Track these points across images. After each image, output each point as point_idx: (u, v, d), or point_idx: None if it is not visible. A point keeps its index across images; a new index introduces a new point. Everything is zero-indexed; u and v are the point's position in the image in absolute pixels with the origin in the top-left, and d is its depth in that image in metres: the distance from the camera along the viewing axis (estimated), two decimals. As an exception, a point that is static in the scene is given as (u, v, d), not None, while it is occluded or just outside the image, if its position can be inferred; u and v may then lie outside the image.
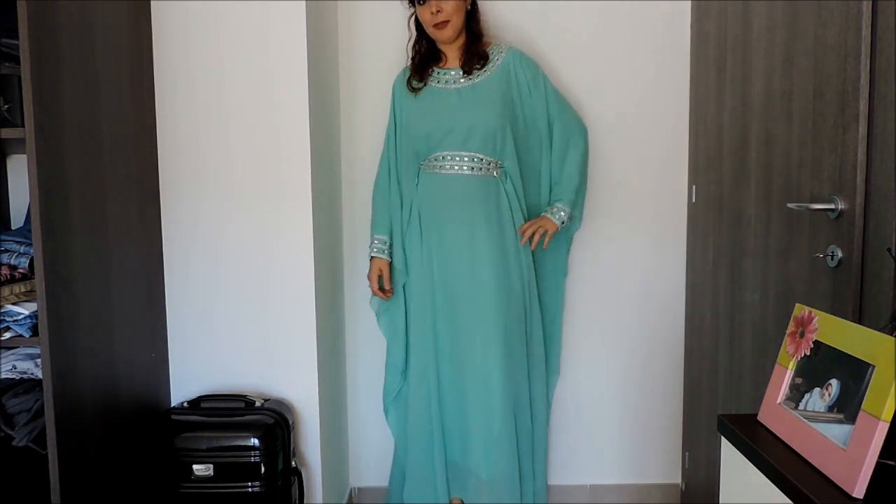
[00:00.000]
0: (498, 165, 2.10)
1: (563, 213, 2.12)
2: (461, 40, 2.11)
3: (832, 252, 1.39)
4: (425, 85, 2.13)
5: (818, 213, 1.44)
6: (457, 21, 2.05)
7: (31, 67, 1.30)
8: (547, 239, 2.10)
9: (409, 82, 2.15)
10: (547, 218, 2.12)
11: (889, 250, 1.24)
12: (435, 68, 2.14)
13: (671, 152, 2.34)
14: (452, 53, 2.13)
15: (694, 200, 2.27)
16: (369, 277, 2.20)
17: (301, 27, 1.84)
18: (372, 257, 2.19)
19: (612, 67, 2.33)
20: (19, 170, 1.91)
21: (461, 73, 2.11)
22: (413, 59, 2.16)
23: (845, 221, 1.36)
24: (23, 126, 1.32)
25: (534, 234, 2.09)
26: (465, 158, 2.07)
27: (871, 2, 1.29)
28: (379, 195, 2.21)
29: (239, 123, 1.86)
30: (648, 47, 2.32)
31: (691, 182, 2.30)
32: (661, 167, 2.35)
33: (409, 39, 2.16)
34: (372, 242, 2.20)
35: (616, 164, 2.35)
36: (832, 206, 1.38)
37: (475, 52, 2.10)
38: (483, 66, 2.10)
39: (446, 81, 2.13)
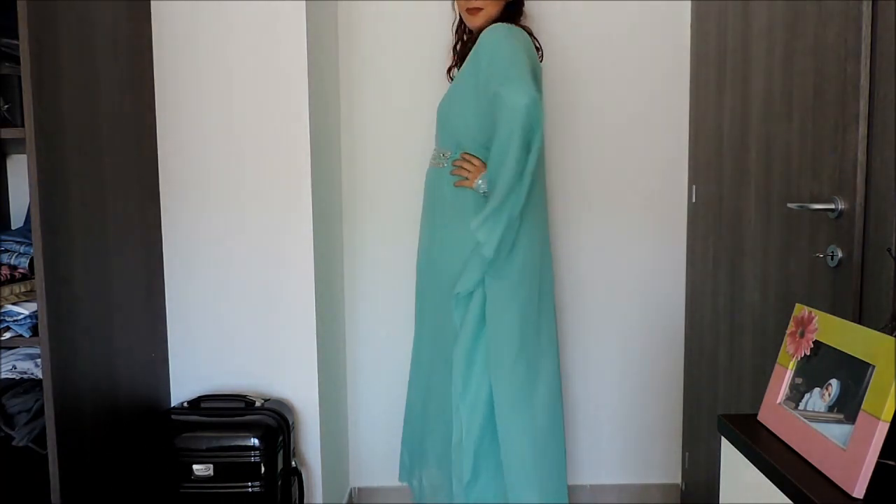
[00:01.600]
0: (447, 156, 1.98)
1: (481, 183, 1.87)
2: None
3: (832, 252, 1.39)
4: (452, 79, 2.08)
5: (818, 213, 1.44)
6: (491, 10, 1.94)
7: (31, 67, 1.30)
8: (458, 183, 1.92)
9: (448, 72, 2.12)
10: (479, 173, 1.88)
11: (889, 250, 1.24)
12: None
13: (671, 152, 2.34)
14: None
15: (694, 200, 2.27)
16: None
17: (301, 27, 1.84)
18: None
19: (612, 67, 2.33)
20: (19, 170, 1.91)
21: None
22: (455, 45, 2.12)
23: (845, 221, 1.36)
24: (23, 126, 1.32)
25: (461, 169, 1.92)
26: (436, 152, 2.04)
27: (871, 2, 1.29)
28: None
29: (239, 123, 1.86)
30: (648, 47, 2.32)
31: (691, 182, 2.30)
32: (661, 167, 2.35)
33: (454, 22, 2.13)
34: None
35: (616, 164, 2.35)
36: (832, 206, 1.38)
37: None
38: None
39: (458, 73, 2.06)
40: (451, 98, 2.00)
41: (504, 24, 1.89)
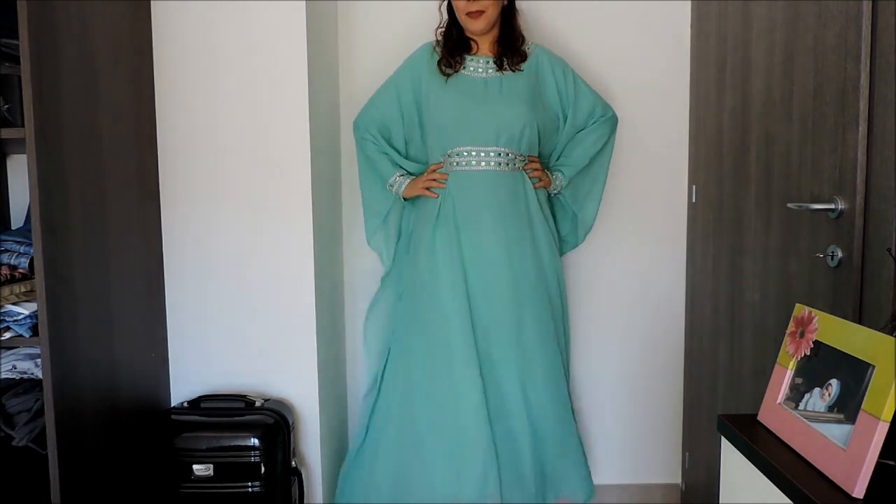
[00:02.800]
0: (523, 159, 2.03)
1: (558, 184, 2.12)
2: (494, 32, 2.05)
3: (832, 252, 1.39)
4: (456, 72, 2.05)
5: (818, 213, 1.44)
6: (492, 13, 1.99)
7: (31, 67, 1.30)
8: (537, 184, 2.07)
9: (439, 65, 2.06)
10: (549, 176, 2.11)
11: (889, 250, 1.24)
12: (465, 55, 2.06)
13: (671, 152, 2.34)
14: (484, 43, 2.06)
15: (694, 200, 2.27)
16: (423, 186, 2.05)
17: (301, 27, 1.84)
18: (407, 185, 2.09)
19: (613, 67, 2.32)
20: (19, 170, 1.91)
21: (491, 63, 2.05)
22: (444, 45, 2.07)
23: (845, 221, 1.36)
24: (23, 126, 1.32)
25: (539, 172, 2.07)
26: (493, 153, 1.99)
27: (871, 2, 1.29)
28: (370, 154, 2.14)
29: (239, 123, 1.86)
30: (648, 47, 2.32)
31: (691, 182, 2.30)
32: (661, 167, 2.35)
33: (440, 24, 2.09)
34: (393, 184, 2.11)
35: (616, 163, 2.34)
36: (832, 206, 1.38)
37: (514, 50, 2.05)
38: (519, 64, 2.05)
39: (474, 69, 2.06)
40: (498, 100, 2.02)
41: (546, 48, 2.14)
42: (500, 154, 2.00)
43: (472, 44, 2.07)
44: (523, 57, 2.07)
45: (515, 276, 2.00)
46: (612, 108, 2.19)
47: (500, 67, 2.05)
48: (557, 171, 2.12)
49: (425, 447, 1.99)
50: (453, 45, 2.06)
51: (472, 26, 2.00)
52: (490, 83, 2.04)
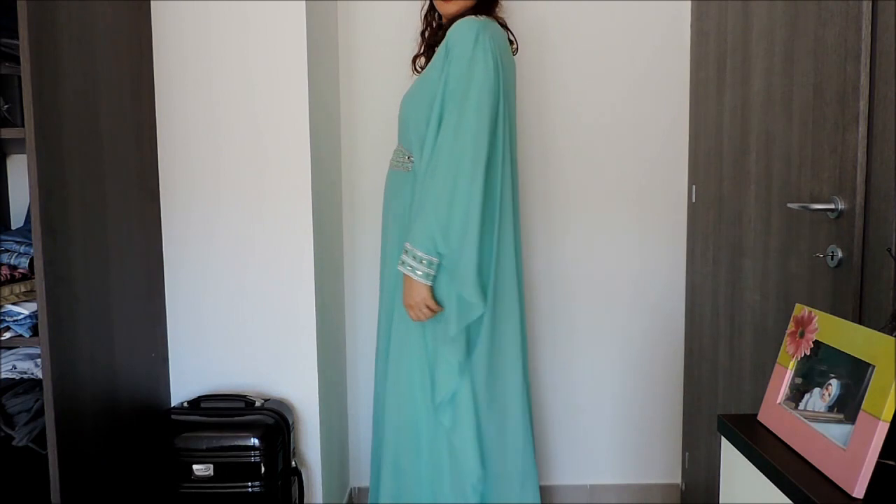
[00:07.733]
0: (411, 160, 1.86)
1: (410, 261, 1.70)
2: None
3: (832, 252, 1.39)
4: (423, 68, 1.92)
5: (818, 213, 1.44)
6: None
7: (31, 67, 1.30)
8: (422, 313, 1.71)
9: (413, 61, 2.01)
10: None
11: (889, 250, 1.24)
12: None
13: (671, 152, 2.34)
14: None
15: (694, 200, 2.27)
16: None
17: (301, 27, 1.84)
18: None
19: (612, 67, 2.33)
20: (19, 170, 1.91)
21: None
22: (423, 32, 1.98)
23: (845, 221, 1.36)
24: (23, 126, 1.32)
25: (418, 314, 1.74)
26: (397, 152, 1.92)
27: (871, 2, 1.29)
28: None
29: (239, 123, 1.86)
30: (648, 47, 2.32)
31: (691, 182, 2.30)
32: (661, 167, 2.36)
33: (423, 7, 2.00)
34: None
35: (615, 163, 2.35)
36: (832, 206, 1.38)
37: (442, 29, 1.83)
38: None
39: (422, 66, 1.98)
40: (414, 94, 1.85)
41: (474, 18, 1.72)
42: (402, 154, 1.90)
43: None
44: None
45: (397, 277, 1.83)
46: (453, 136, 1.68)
47: (428, 54, 1.95)
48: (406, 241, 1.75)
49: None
50: (433, 32, 1.96)
51: (443, 9, 1.82)
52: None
